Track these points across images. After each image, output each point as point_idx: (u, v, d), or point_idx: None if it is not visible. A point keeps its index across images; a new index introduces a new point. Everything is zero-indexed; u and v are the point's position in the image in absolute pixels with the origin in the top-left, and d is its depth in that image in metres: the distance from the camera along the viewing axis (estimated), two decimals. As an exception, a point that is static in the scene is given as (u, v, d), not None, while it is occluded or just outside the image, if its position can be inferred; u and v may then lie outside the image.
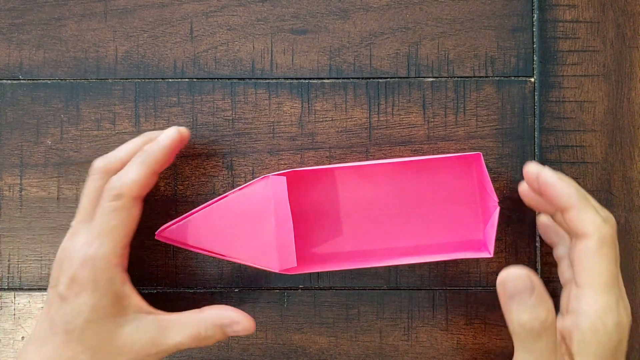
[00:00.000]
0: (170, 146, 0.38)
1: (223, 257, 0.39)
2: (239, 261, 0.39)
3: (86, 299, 0.35)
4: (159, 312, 0.38)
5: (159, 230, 0.39)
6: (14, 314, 0.42)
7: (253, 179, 0.42)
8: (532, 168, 0.36)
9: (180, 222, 0.39)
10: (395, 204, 0.41)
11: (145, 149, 0.37)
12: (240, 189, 0.39)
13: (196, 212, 0.39)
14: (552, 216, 0.37)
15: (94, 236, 0.35)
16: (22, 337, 0.42)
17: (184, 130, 0.39)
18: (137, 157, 0.37)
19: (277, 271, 0.38)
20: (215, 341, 0.38)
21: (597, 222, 0.34)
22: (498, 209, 0.38)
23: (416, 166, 0.41)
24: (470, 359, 0.42)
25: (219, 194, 0.42)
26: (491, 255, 0.38)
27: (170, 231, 0.39)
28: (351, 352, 0.42)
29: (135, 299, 0.37)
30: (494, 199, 0.38)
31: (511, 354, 0.41)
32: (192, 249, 0.39)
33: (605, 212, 0.36)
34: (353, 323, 0.42)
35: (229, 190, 0.42)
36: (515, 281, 0.33)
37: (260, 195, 0.38)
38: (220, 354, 0.42)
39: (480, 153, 0.39)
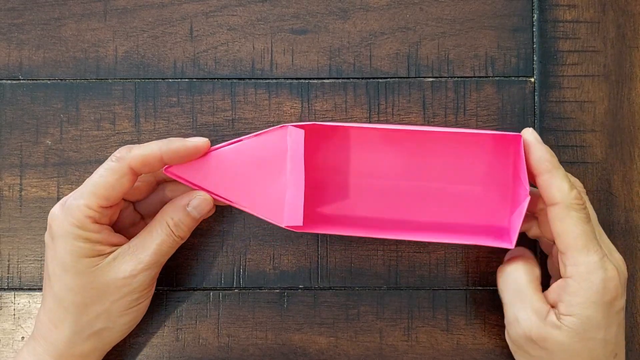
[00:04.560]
0: (193, 149, 0.37)
1: (230, 204, 0.38)
2: (245, 209, 0.38)
3: (59, 243, 0.36)
4: (132, 239, 0.38)
5: (167, 166, 0.38)
6: (14, 314, 0.42)
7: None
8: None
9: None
10: (417, 176, 0.40)
11: (171, 139, 0.37)
12: (256, 135, 0.38)
13: (208, 152, 0.38)
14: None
15: (80, 188, 0.37)
16: (22, 337, 0.42)
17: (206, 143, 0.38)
18: (159, 141, 0.37)
19: (283, 226, 0.37)
20: (189, 227, 0.38)
21: (564, 188, 0.35)
22: (528, 198, 0.36)
23: (447, 139, 0.40)
24: (470, 359, 0.42)
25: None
26: (512, 247, 0.36)
27: (177, 167, 0.37)
28: (351, 352, 0.42)
29: (112, 241, 0.37)
30: (526, 187, 0.36)
31: (511, 353, 0.41)
32: (199, 189, 0.37)
33: (573, 178, 0.38)
34: (353, 323, 0.42)
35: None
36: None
37: (275, 145, 0.37)
38: (220, 354, 0.42)
39: (520, 135, 0.37)
